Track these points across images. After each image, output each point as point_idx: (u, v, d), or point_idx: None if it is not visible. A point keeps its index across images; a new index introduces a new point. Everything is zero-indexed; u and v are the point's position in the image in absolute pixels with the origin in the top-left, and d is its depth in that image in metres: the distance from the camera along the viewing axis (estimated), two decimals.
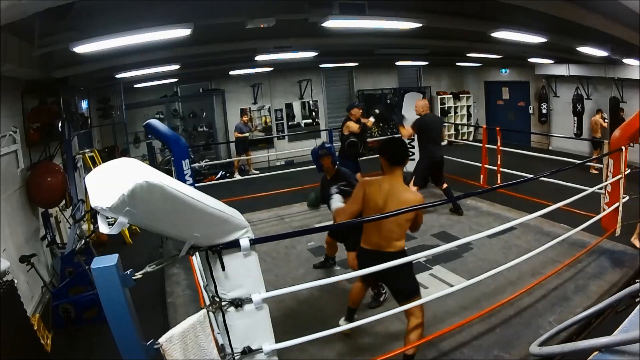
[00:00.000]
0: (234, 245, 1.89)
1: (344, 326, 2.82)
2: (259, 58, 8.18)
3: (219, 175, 9.98)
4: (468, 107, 13.41)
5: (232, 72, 10.44)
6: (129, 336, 1.63)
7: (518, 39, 5.93)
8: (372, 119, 5.66)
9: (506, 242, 4.60)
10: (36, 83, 5.11)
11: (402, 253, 2.75)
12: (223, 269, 1.89)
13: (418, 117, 5.58)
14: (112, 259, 1.59)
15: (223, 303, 1.93)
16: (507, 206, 5.72)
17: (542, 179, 3.98)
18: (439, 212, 5.62)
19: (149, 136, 6.87)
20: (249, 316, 1.97)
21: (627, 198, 4.11)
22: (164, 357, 1.73)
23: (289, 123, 11.77)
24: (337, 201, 2.97)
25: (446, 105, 13.14)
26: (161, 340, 1.73)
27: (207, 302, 2.08)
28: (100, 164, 4.41)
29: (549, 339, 1.50)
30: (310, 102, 11.92)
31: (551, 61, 10.02)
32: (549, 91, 11.07)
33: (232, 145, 10.59)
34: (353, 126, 5.59)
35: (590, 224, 3.87)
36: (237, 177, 9.68)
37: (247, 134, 10.25)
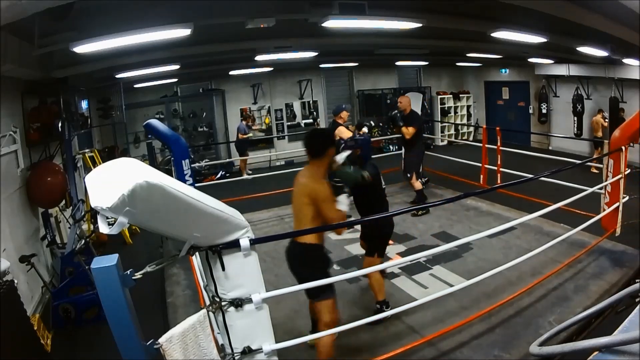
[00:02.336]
0: (234, 245, 1.90)
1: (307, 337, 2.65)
2: (259, 58, 8.17)
3: (219, 175, 9.98)
4: (468, 107, 13.41)
5: (232, 72, 10.45)
6: (129, 336, 1.63)
7: (518, 39, 5.93)
8: (365, 130, 5.73)
9: (506, 242, 4.60)
10: (36, 83, 5.11)
11: (309, 247, 2.57)
12: (223, 269, 1.90)
13: (403, 112, 5.84)
14: (112, 259, 1.59)
15: (223, 303, 1.93)
16: (507, 206, 5.71)
17: (542, 179, 3.98)
18: (439, 213, 5.61)
19: (149, 136, 6.87)
20: (249, 316, 1.98)
21: (627, 198, 4.10)
22: (164, 357, 1.73)
23: (289, 123, 11.77)
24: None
25: (446, 105, 13.14)
26: (161, 340, 1.73)
27: (207, 302, 2.08)
28: (100, 164, 4.41)
29: (549, 339, 1.50)
30: (311, 101, 11.93)
31: (551, 61, 10.01)
32: (549, 91, 11.07)
33: (232, 145, 10.59)
34: (346, 134, 5.22)
35: (590, 224, 3.86)
36: (247, 176, 9.66)
37: (248, 135, 10.27)
